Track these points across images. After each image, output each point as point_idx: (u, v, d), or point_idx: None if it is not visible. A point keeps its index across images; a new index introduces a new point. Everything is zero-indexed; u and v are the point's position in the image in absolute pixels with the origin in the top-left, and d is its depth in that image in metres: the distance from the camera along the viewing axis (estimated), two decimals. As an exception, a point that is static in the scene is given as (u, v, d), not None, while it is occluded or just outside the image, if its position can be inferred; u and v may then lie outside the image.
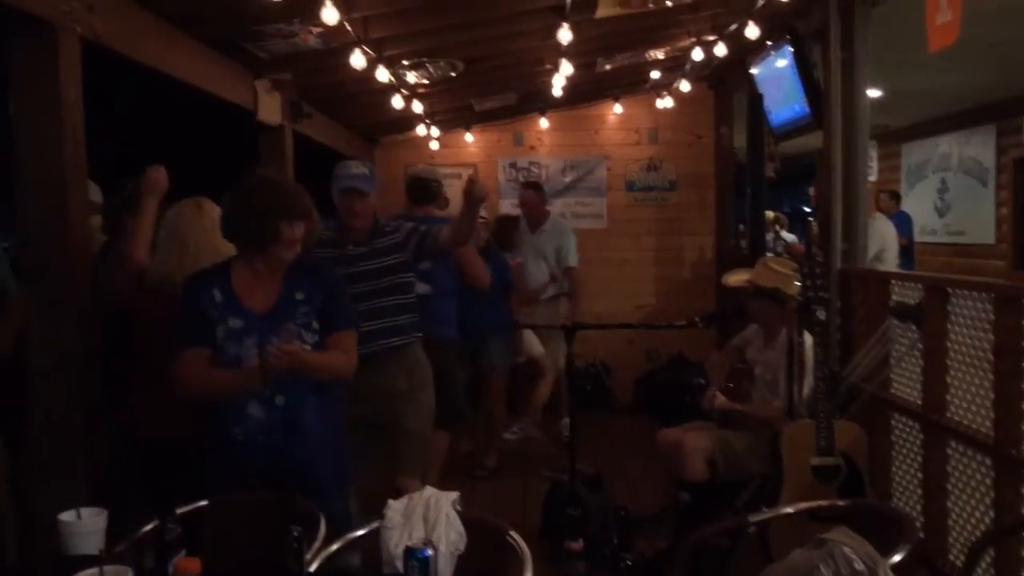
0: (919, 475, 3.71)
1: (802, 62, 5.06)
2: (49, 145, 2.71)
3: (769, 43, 5.40)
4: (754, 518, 2.58)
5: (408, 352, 3.66)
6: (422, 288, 4.32)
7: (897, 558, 1.97)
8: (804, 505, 2.72)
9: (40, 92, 2.71)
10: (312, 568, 2.02)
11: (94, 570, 1.65)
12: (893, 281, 4.04)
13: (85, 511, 1.93)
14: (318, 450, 2.62)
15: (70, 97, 2.74)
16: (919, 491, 3.71)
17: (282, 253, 2.54)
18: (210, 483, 2.48)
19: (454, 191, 7.60)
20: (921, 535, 3.48)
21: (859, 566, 1.66)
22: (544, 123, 7.72)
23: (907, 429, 3.87)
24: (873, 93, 5.36)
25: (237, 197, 2.57)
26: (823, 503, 2.73)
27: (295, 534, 1.81)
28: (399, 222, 3.73)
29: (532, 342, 5.93)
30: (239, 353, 2.49)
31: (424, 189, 4.86)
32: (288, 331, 2.48)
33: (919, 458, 3.71)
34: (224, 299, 2.52)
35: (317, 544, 2.12)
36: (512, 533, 2.16)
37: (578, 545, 3.75)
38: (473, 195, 3.39)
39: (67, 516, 1.93)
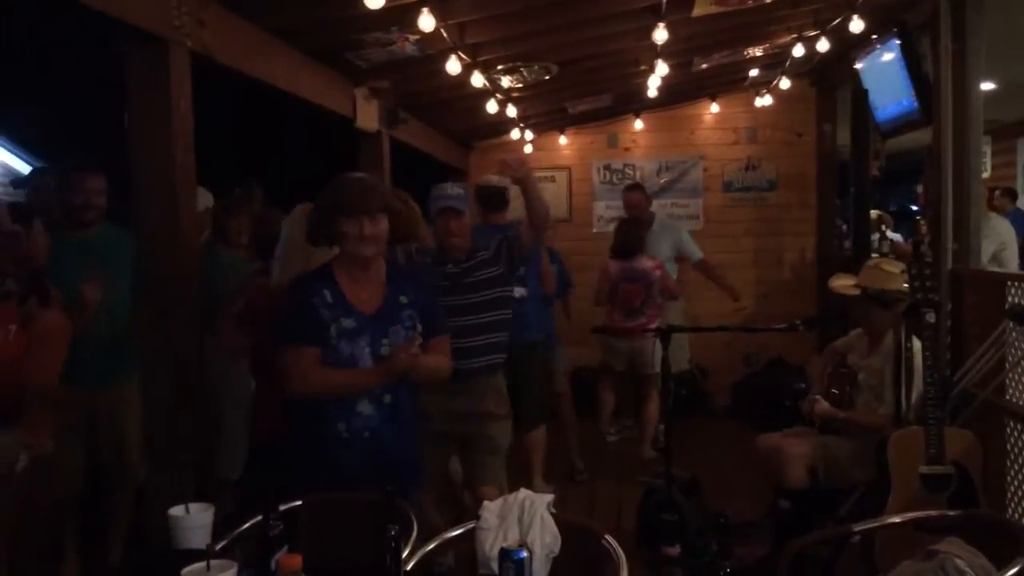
0: (1038, 486, 3.52)
1: (910, 55, 4.88)
2: (161, 154, 2.84)
3: (875, 36, 5.22)
4: (859, 527, 2.50)
5: (499, 374, 3.69)
6: (518, 291, 4.40)
7: (1013, 572, 1.88)
8: (913, 515, 2.62)
9: (152, 103, 2.84)
10: (408, 567, 2.05)
11: (201, 564, 1.71)
12: (1009, 282, 3.85)
13: (193, 506, 2.00)
14: (414, 446, 2.71)
15: (180, 108, 2.86)
16: (1038, 503, 3.53)
17: (354, 250, 2.55)
18: (305, 479, 2.50)
19: (549, 194, 7.66)
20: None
21: (972, 580, 1.59)
22: (639, 124, 7.65)
23: (1023, 437, 3.69)
24: (986, 86, 5.13)
25: (317, 200, 2.64)
26: (933, 513, 2.62)
27: (392, 533, 1.84)
28: (489, 238, 3.74)
29: (657, 357, 5.77)
30: (354, 352, 2.53)
31: (498, 197, 4.85)
32: (411, 336, 2.55)
33: (1038, 468, 3.53)
34: (334, 299, 2.55)
35: (411, 543, 2.15)
36: (607, 537, 2.14)
37: (675, 551, 3.70)
38: (514, 171, 3.32)
39: (176, 511, 2.00)
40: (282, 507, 2.08)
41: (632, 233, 5.82)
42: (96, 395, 3.50)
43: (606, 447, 6.17)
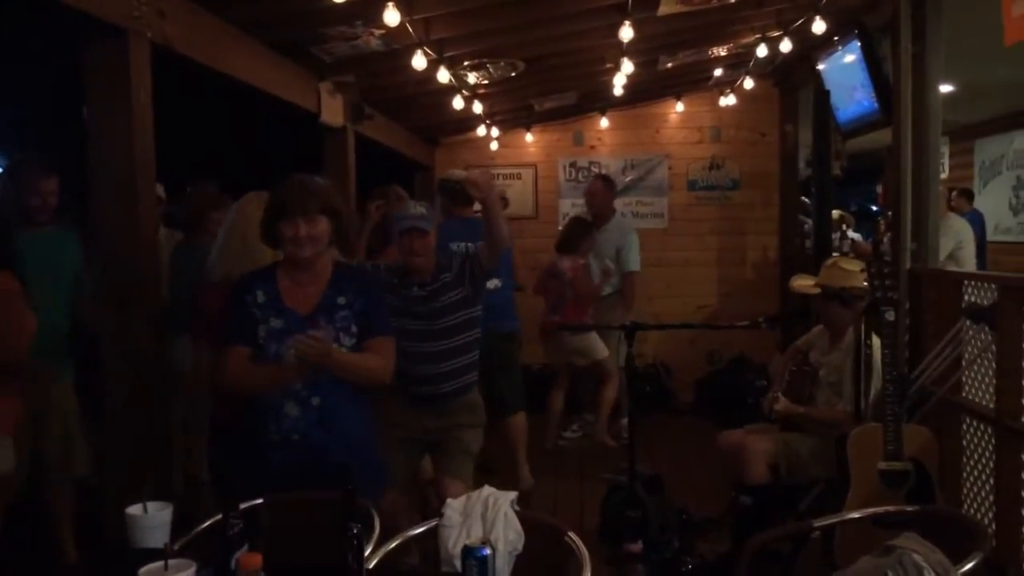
0: (991, 481, 3.59)
1: (871, 57, 4.95)
2: (120, 146, 2.79)
3: (836, 38, 5.29)
4: (818, 523, 2.53)
5: (473, 390, 3.69)
6: (492, 283, 4.55)
7: (969, 566, 1.91)
8: (871, 510, 2.65)
9: (111, 95, 2.79)
10: (371, 565, 2.04)
11: (159, 563, 1.68)
12: (966, 281, 3.91)
13: (151, 505, 1.97)
14: (354, 453, 2.63)
15: (140, 100, 2.82)
16: (991, 498, 3.59)
17: (291, 252, 2.56)
18: (242, 482, 2.47)
19: (515, 192, 7.68)
20: (993, 543, 3.37)
21: (929, 574, 1.61)
22: (604, 122, 7.68)
23: (979, 434, 3.75)
24: (945, 88, 5.21)
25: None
26: (891, 508, 2.66)
27: (354, 531, 1.83)
28: (451, 255, 3.71)
29: (597, 344, 5.88)
30: (279, 352, 2.51)
31: (463, 192, 4.84)
32: (322, 327, 2.51)
33: (991, 464, 3.59)
34: (266, 299, 2.57)
35: (374, 542, 2.14)
36: (571, 534, 2.15)
37: (637, 547, 3.72)
38: (480, 190, 3.32)
39: (134, 510, 1.97)
40: (242, 505, 2.06)
41: (570, 231, 5.95)
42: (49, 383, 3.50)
43: (569, 443, 6.19)
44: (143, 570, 1.68)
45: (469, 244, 4.63)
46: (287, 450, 2.56)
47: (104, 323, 3.24)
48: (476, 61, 5.09)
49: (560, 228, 6.18)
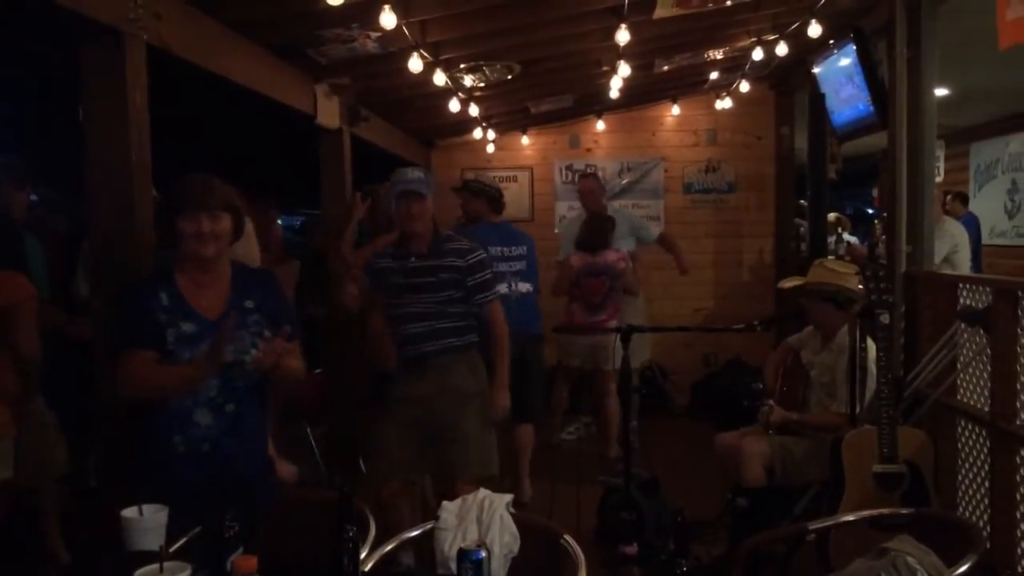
0: (986, 484, 3.60)
1: (866, 60, 4.96)
2: (116, 149, 2.78)
3: (832, 42, 5.30)
4: (813, 525, 2.54)
5: (472, 352, 3.68)
6: (524, 287, 4.80)
7: (963, 569, 1.92)
8: (866, 513, 2.66)
9: (108, 97, 2.78)
10: (366, 567, 2.04)
11: (154, 566, 1.68)
12: (960, 284, 3.93)
13: (147, 507, 1.97)
14: (263, 462, 2.59)
15: (136, 102, 2.81)
16: (986, 500, 3.60)
17: (192, 249, 2.43)
18: (147, 495, 2.12)
19: (511, 194, 7.67)
20: (988, 545, 3.38)
21: (922, 577, 1.62)
22: (600, 125, 7.69)
23: (974, 436, 3.76)
24: (940, 91, 5.23)
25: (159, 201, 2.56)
26: (885, 511, 2.67)
27: (350, 533, 1.83)
28: (471, 244, 3.72)
29: (614, 352, 5.81)
30: (194, 358, 2.39)
31: (496, 198, 5.08)
32: (238, 328, 2.42)
33: (987, 466, 3.60)
34: (171, 303, 2.43)
35: (369, 543, 2.14)
36: (566, 536, 2.15)
37: (632, 549, 3.71)
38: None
39: (129, 512, 1.97)
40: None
41: (598, 227, 5.80)
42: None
43: (564, 445, 6.19)
44: (138, 573, 1.68)
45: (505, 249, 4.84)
46: (194, 462, 2.41)
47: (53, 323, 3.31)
48: (472, 64, 5.10)
49: (580, 225, 5.96)
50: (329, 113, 4.88)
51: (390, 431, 3.58)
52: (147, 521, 1.95)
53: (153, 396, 2.41)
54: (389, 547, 2.22)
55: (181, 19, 3.13)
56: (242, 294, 2.53)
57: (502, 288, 4.72)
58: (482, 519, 2.18)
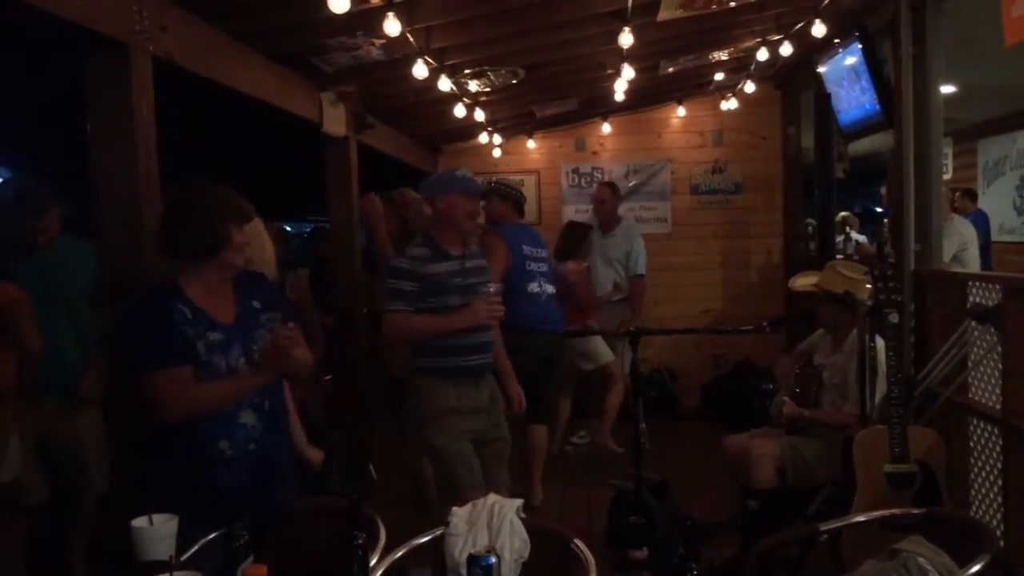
0: (999, 483, 3.58)
1: (872, 59, 4.95)
2: (123, 161, 2.79)
3: (837, 41, 5.29)
4: (825, 526, 2.53)
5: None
6: (550, 288, 4.93)
7: (975, 569, 1.90)
8: (878, 513, 2.65)
9: (114, 109, 2.79)
10: (377, 575, 2.04)
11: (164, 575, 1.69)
12: (970, 282, 3.91)
13: (157, 517, 1.97)
14: (293, 452, 2.70)
15: (143, 114, 2.82)
16: (999, 499, 3.58)
17: (234, 259, 2.50)
18: (180, 506, 2.07)
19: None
20: (1002, 544, 3.36)
21: (934, 578, 1.61)
22: (606, 128, 7.69)
23: (986, 435, 3.75)
24: (946, 89, 5.22)
25: (181, 207, 2.52)
26: (897, 511, 2.65)
27: (359, 541, 1.83)
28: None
29: (601, 349, 5.89)
30: (230, 364, 2.44)
31: (520, 202, 5.24)
32: (286, 326, 2.47)
33: (999, 465, 3.58)
34: (193, 315, 2.43)
35: (379, 551, 2.14)
36: (576, 541, 2.15)
37: (642, 554, 3.70)
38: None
39: (139, 522, 1.97)
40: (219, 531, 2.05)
41: (571, 237, 5.99)
42: (63, 408, 3.53)
43: (576, 449, 6.19)
44: (149, 582, 1.69)
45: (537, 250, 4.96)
46: (243, 463, 2.45)
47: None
48: (477, 69, 5.11)
49: (564, 232, 6.14)
50: (335, 121, 4.89)
51: (465, 443, 3.52)
52: (157, 530, 1.95)
53: (203, 412, 2.40)
54: (399, 554, 2.21)
55: (186, 30, 3.14)
56: (248, 296, 2.59)
57: (533, 287, 4.80)
58: (492, 524, 2.18)
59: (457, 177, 3.57)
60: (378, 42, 4.11)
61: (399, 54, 4.33)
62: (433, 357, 3.47)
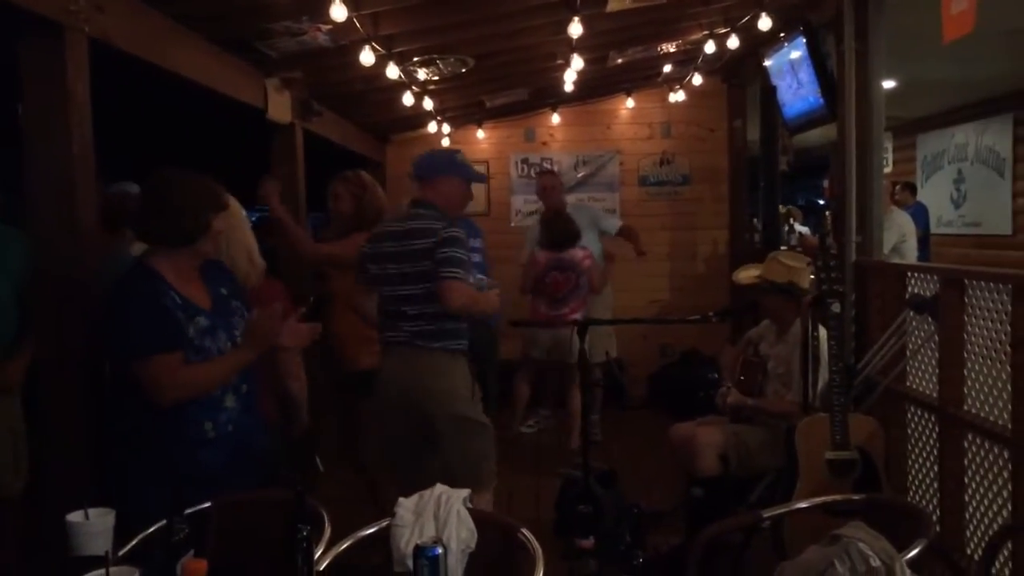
0: (936, 469, 3.67)
1: (816, 53, 5.02)
2: (58, 144, 2.72)
3: (782, 35, 5.35)
4: (767, 513, 2.56)
5: None
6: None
7: (913, 553, 1.94)
8: (819, 500, 2.69)
9: (48, 92, 2.71)
10: (321, 567, 2.01)
11: (100, 571, 1.64)
12: (909, 273, 3.99)
13: (92, 511, 1.93)
14: (265, 430, 2.73)
15: (78, 96, 2.74)
16: (936, 485, 3.67)
17: (208, 247, 2.55)
18: (154, 490, 2.20)
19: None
20: (938, 529, 3.44)
21: (875, 562, 1.64)
22: (556, 118, 7.70)
23: (923, 422, 3.84)
24: (888, 84, 5.31)
25: (162, 195, 2.50)
26: (838, 497, 2.70)
27: (304, 533, 1.80)
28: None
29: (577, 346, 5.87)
30: (220, 348, 2.50)
31: None
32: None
33: (936, 451, 3.67)
34: (181, 300, 2.46)
35: (324, 542, 2.12)
36: (524, 531, 2.15)
37: (588, 542, 3.73)
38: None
39: (74, 517, 1.92)
40: (188, 510, 2.02)
41: (564, 225, 5.88)
42: None
43: (524, 438, 6.20)
44: (84, 579, 1.65)
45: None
46: (222, 444, 2.51)
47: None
48: (426, 57, 5.07)
49: (541, 224, 6.02)
50: (280, 107, 4.81)
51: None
52: (93, 525, 1.91)
53: (199, 395, 2.46)
54: (344, 546, 2.19)
55: (124, 12, 3.06)
56: (216, 283, 2.61)
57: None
58: (439, 515, 2.16)
59: (458, 162, 3.59)
60: (324, 28, 4.06)
61: (346, 40, 4.27)
62: (462, 339, 3.48)
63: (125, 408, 2.49)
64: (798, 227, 9.36)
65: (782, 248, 6.24)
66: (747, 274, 4.26)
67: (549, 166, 7.66)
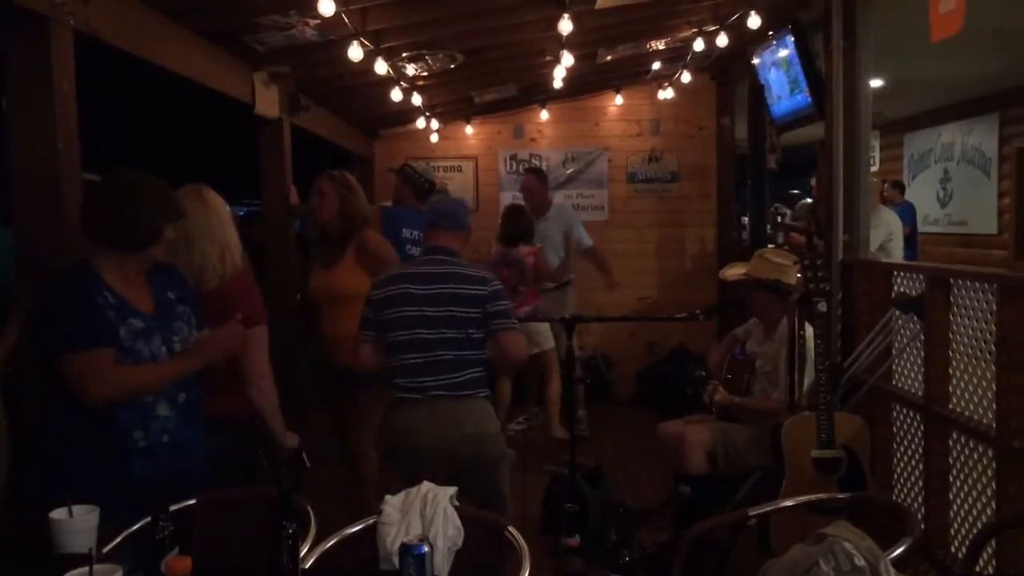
0: (921, 467, 3.69)
1: (804, 52, 5.03)
2: (42, 138, 2.70)
3: (771, 33, 5.36)
4: (754, 511, 2.56)
5: None
6: None
7: (898, 551, 1.95)
8: (804, 498, 2.70)
9: (33, 85, 2.69)
10: (307, 565, 2.00)
11: (84, 569, 1.63)
12: (895, 272, 4.01)
13: (76, 509, 1.91)
14: (206, 447, 2.61)
15: (63, 90, 2.72)
16: (921, 483, 3.69)
17: (158, 253, 2.51)
18: (96, 496, 2.05)
19: (455, 184, 7.64)
20: (922, 527, 3.46)
21: (859, 561, 1.64)
22: (545, 115, 7.69)
23: (909, 421, 3.85)
24: (875, 83, 5.33)
25: (116, 197, 2.46)
26: (823, 496, 2.71)
27: (289, 531, 1.80)
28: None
29: (546, 334, 5.90)
30: (153, 352, 2.43)
31: (428, 188, 5.34)
32: (192, 331, 2.52)
33: (921, 450, 3.69)
34: (115, 300, 2.40)
35: (310, 540, 2.11)
36: (510, 528, 2.14)
37: (574, 540, 3.74)
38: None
39: (58, 514, 1.90)
40: (174, 507, 2.01)
41: (516, 222, 5.98)
42: None
43: (511, 436, 6.20)
44: (67, 576, 1.63)
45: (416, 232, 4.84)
46: (155, 454, 2.41)
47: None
48: (414, 52, 5.04)
49: (500, 220, 6.13)
50: (268, 102, 4.79)
51: None
52: (77, 523, 1.89)
53: (129, 396, 2.37)
54: (330, 543, 2.18)
55: (110, 4, 3.03)
56: (163, 287, 2.56)
57: None
58: (425, 513, 2.16)
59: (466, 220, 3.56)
60: (312, 22, 4.03)
61: (334, 35, 4.25)
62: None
63: (54, 410, 2.42)
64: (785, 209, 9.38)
65: (769, 246, 6.26)
66: (734, 272, 4.27)
67: (538, 163, 7.65)
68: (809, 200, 8.87)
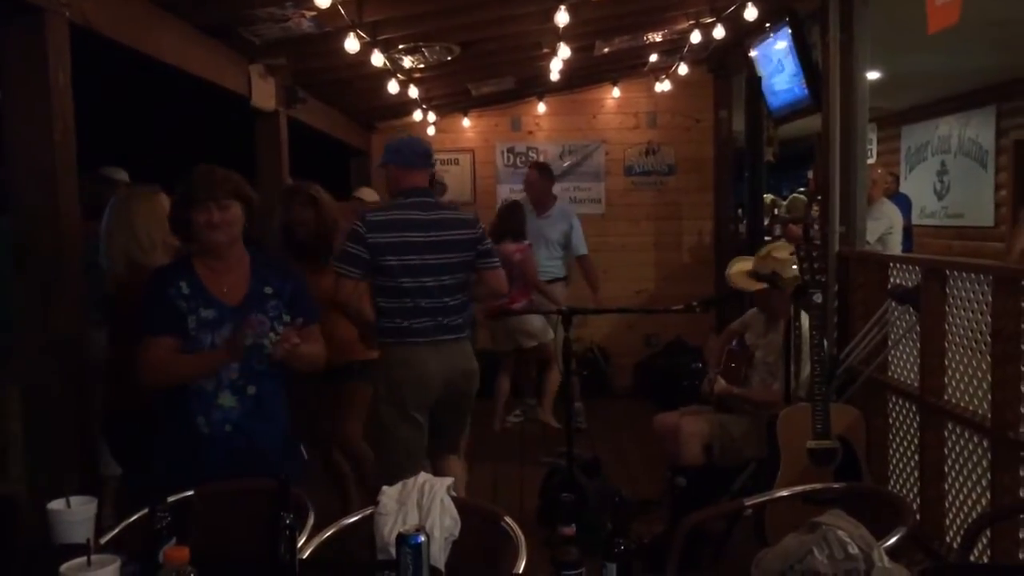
0: (916, 458, 3.70)
1: (801, 44, 5.03)
2: (38, 130, 2.70)
3: (768, 25, 5.36)
4: (749, 501, 2.58)
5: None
6: None
7: (892, 541, 1.96)
8: (799, 488, 2.71)
9: (28, 77, 2.69)
10: (304, 555, 2.01)
11: (82, 559, 1.63)
12: (891, 264, 4.02)
13: (74, 499, 1.92)
14: (284, 440, 2.68)
15: (59, 82, 2.72)
16: (916, 474, 3.71)
17: (206, 238, 2.54)
18: (166, 481, 2.33)
19: (452, 177, 7.64)
20: (917, 517, 3.48)
21: (853, 549, 1.65)
22: (542, 107, 7.67)
23: (904, 412, 3.87)
24: (872, 75, 5.33)
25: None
26: (819, 486, 2.72)
27: (287, 521, 1.80)
28: None
29: (542, 327, 5.91)
30: (215, 342, 2.51)
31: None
32: (256, 317, 2.51)
33: (916, 441, 3.71)
34: (191, 290, 2.52)
35: (307, 531, 2.12)
36: (507, 518, 2.15)
37: (570, 530, 3.73)
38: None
39: (56, 504, 1.91)
40: (171, 498, 2.01)
41: (510, 217, 5.98)
42: None
43: (509, 427, 6.21)
44: (65, 566, 1.63)
45: None
46: (219, 442, 2.51)
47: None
48: (411, 45, 5.03)
49: (496, 215, 6.14)
50: (264, 94, 4.78)
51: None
52: (75, 513, 1.90)
53: (173, 383, 2.51)
54: (328, 534, 2.19)
55: (106, -4, 3.03)
56: (262, 280, 2.61)
57: None
58: (422, 503, 2.16)
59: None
60: (308, 14, 4.03)
61: (330, 27, 4.24)
62: None
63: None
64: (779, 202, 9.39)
65: (766, 239, 6.26)
66: (740, 267, 4.25)
67: (535, 156, 7.64)
68: (802, 190, 8.89)
